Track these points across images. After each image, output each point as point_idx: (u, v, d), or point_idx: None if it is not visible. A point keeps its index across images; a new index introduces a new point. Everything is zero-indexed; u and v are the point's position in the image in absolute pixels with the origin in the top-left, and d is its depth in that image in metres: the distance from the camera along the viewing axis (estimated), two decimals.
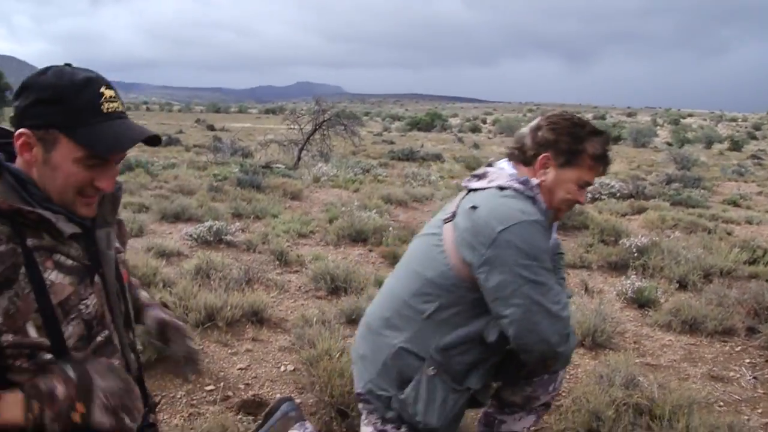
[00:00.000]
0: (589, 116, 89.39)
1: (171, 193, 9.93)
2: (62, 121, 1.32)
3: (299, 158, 17.38)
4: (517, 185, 2.07)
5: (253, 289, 4.89)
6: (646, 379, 3.24)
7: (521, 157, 2.20)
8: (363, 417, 2.24)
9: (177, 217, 7.98)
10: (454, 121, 76.72)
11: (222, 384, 3.30)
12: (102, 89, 1.36)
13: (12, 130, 1.40)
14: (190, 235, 6.73)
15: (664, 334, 4.48)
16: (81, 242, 1.43)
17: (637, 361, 3.90)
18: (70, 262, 1.39)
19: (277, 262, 5.99)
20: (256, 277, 5.21)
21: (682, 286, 5.67)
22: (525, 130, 2.23)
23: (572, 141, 2.11)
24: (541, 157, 2.13)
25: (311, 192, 11.49)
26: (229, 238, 6.73)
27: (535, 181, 2.11)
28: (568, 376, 3.64)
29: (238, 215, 8.47)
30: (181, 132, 34.64)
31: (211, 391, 3.23)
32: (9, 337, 1.27)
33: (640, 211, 10.56)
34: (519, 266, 1.90)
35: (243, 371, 3.52)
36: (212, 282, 4.72)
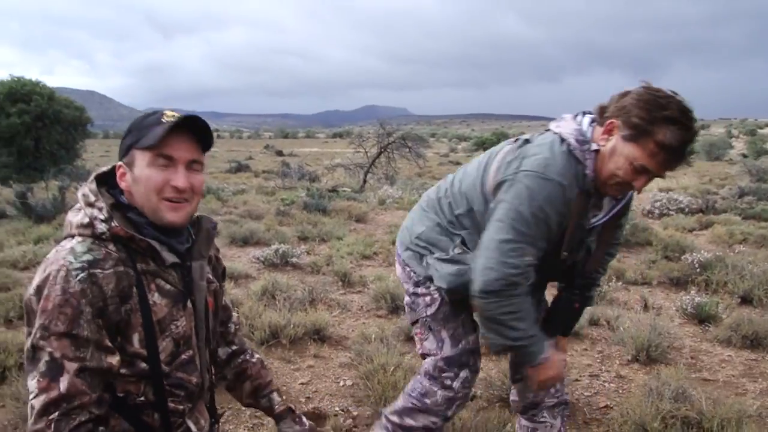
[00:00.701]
0: None
1: (240, 218, 10.35)
2: (134, 141, 1.56)
3: (365, 181, 17.69)
4: (573, 142, 2.06)
5: (316, 309, 5.09)
6: (696, 393, 3.25)
7: (598, 117, 2.09)
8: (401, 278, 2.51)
9: (246, 241, 8.31)
10: None
11: (284, 398, 3.50)
12: (165, 111, 1.60)
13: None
14: (258, 258, 7.03)
15: (723, 350, 4.46)
16: (178, 271, 1.64)
17: (693, 376, 3.91)
18: (168, 287, 1.61)
19: (341, 283, 6.21)
20: (320, 298, 5.43)
21: (746, 301, 5.59)
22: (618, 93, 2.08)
23: (645, 118, 1.92)
24: (608, 121, 2.01)
25: (376, 214, 11.73)
26: (294, 260, 7.01)
27: (594, 146, 2.05)
28: (620, 391, 3.70)
29: (304, 238, 8.76)
30: (250, 158, 35.62)
31: None
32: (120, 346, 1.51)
33: (708, 226, 10.33)
34: (511, 207, 2.01)
35: (304, 386, 3.72)
36: (277, 302, 4.96)
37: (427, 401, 2.37)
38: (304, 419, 2.04)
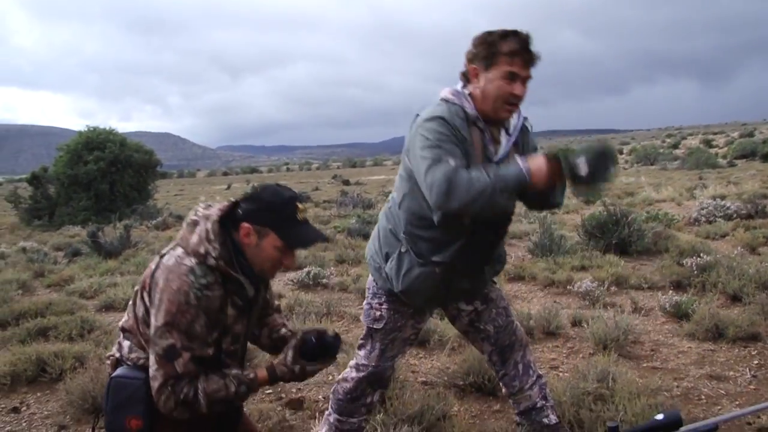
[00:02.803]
0: (735, 134, 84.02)
1: None
2: (273, 224, 2.20)
3: None
4: (448, 95, 2.61)
5: (331, 320, 5.79)
6: (621, 374, 3.76)
7: (463, 78, 2.63)
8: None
9: None
10: None
11: (279, 388, 4.21)
12: (299, 204, 2.25)
13: (233, 201, 2.29)
14: (292, 280, 7.81)
15: (688, 343, 4.90)
16: (247, 294, 2.29)
17: (645, 364, 4.42)
18: (239, 302, 2.27)
19: (362, 299, 6.88)
20: (335, 311, 6.14)
21: (737, 299, 5.96)
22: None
23: (487, 46, 2.48)
24: (470, 69, 2.56)
25: None
26: (324, 281, 7.75)
27: (466, 91, 2.59)
28: (560, 375, 4.23)
29: (342, 261, 9.50)
30: (317, 189, 36.85)
31: (269, 393, 4.17)
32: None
33: (746, 230, 10.47)
34: (420, 146, 2.49)
35: None
36: (294, 315, 5.69)
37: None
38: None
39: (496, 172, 2.38)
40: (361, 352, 3.03)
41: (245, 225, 2.18)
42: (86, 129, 24.10)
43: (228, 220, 2.23)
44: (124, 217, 17.89)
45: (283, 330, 2.53)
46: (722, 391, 3.96)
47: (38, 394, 4.37)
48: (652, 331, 5.23)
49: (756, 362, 4.42)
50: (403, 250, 2.74)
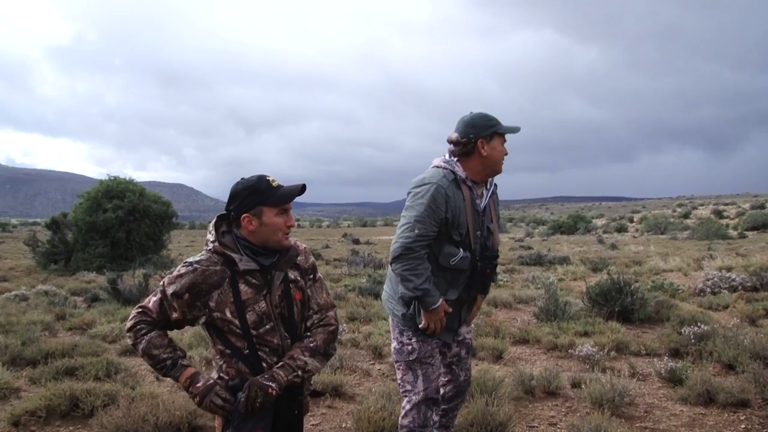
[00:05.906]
0: (746, 206, 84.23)
1: None
2: (260, 201, 2.59)
3: None
4: (440, 162, 3.33)
5: (343, 373, 6.10)
6: (612, 431, 4.07)
7: (461, 151, 3.31)
8: (391, 333, 3.54)
9: None
10: (599, 222, 75.36)
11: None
12: (268, 177, 2.65)
13: (224, 214, 2.69)
14: None
15: (681, 407, 5.18)
16: (262, 275, 2.60)
17: (638, 425, 4.70)
18: (253, 281, 2.60)
19: (372, 355, 7.20)
20: (347, 365, 6.45)
21: (731, 367, 6.23)
22: (452, 136, 3.35)
23: (488, 127, 3.30)
24: (478, 141, 3.27)
25: None
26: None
27: (455, 159, 3.32)
28: (557, 431, 4.51)
29: (353, 319, 9.81)
30: (327, 247, 37.14)
31: None
32: (218, 315, 2.51)
33: (747, 302, 10.71)
34: (407, 206, 3.26)
35: (314, 426, 4.74)
36: None
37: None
38: (272, 373, 2.55)
39: (426, 288, 3.21)
40: (408, 386, 3.44)
41: (243, 216, 2.57)
42: (107, 178, 24.86)
43: (227, 224, 2.68)
44: (139, 266, 18.30)
45: (296, 349, 2.64)
46: None
47: (71, 428, 4.70)
48: (647, 395, 5.52)
49: (743, 426, 4.70)
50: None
